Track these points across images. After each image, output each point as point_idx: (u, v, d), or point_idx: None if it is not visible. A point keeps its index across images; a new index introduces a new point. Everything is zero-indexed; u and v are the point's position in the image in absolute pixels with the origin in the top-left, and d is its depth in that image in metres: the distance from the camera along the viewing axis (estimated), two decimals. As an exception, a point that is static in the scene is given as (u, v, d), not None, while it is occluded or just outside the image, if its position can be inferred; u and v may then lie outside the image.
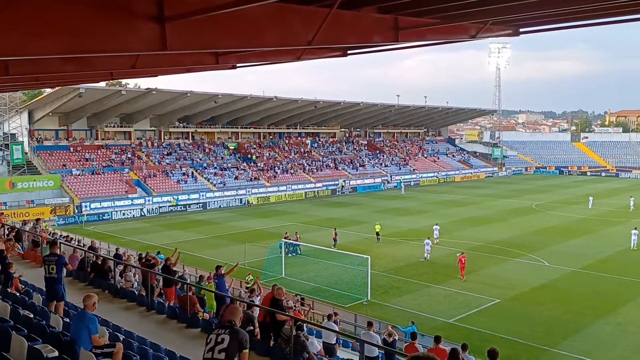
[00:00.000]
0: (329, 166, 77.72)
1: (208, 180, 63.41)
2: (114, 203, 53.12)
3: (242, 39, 7.27)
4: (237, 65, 13.25)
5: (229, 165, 69.00)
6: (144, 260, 16.32)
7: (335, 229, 39.27)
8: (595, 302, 25.57)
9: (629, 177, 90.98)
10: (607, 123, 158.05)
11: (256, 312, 11.85)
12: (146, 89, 58.58)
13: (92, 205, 51.84)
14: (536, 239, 39.64)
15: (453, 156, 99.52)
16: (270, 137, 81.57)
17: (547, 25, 10.19)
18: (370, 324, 15.49)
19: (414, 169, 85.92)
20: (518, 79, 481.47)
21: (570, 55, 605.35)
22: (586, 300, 25.93)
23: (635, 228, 38.12)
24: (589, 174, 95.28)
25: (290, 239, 35.42)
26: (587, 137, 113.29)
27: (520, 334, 21.49)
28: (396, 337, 15.69)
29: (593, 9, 8.70)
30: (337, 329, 14.71)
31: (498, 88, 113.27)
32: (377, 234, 39.36)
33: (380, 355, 14.01)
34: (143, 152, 65.25)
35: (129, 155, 63.17)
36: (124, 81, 70.83)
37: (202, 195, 59.51)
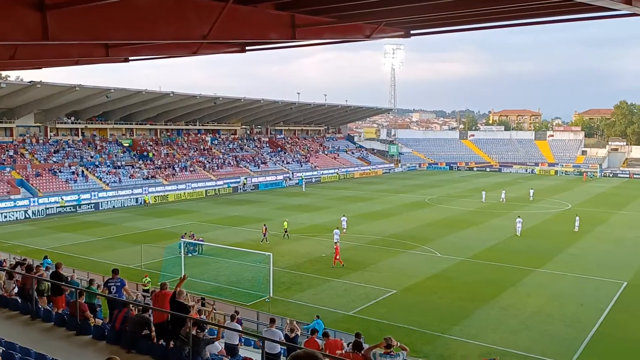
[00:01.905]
0: (230, 163, 76.71)
1: (100, 179, 60.05)
2: (-8, 205, 48.74)
3: (134, 30, 6.97)
4: (130, 58, 12.72)
5: (124, 163, 65.85)
6: (25, 265, 15.13)
7: (265, 224, 39.66)
8: (481, 288, 27.47)
9: (510, 172, 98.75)
10: (491, 122, 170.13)
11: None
12: (29, 82, 54.23)
13: (-33, 208, 47.26)
14: (429, 231, 41.83)
15: (352, 153, 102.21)
16: (168, 133, 78.89)
17: (435, 29, 10.79)
18: (272, 321, 15.53)
19: (315, 166, 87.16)
20: (412, 79, 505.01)
21: (458, 57, 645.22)
22: (474, 287, 27.78)
23: (519, 216, 41.98)
24: (475, 169, 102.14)
25: (195, 238, 34.74)
26: (473, 135, 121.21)
27: (414, 322, 22.58)
28: (298, 333, 15.86)
29: (478, 14, 9.33)
30: (241, 329, 14.56)
31: (393, 87, 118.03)
32: (285, 230, 39.77)
33: (282, 352, 14.08)
34: (27, 150, 60.39)
35: (11, 154, 58.19)
36: (4, 73, 65.09)
37: (94, 195, 56.27)
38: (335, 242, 32.89)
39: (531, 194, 60.82)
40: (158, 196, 60.62)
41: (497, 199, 59.02)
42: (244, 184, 70.83)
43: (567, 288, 27.77)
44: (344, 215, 43.55)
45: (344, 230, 39.99)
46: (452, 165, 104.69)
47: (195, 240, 34.70)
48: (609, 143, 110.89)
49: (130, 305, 11.56)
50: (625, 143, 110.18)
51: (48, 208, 51.38)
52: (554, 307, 24.64)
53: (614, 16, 8.61)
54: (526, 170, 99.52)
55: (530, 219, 46.63)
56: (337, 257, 31.45)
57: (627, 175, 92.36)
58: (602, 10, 8.05)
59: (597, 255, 34.74)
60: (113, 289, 13.71)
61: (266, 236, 37.93)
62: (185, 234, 35.41)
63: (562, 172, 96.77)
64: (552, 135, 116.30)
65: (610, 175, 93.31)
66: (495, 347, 19.85)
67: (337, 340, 12.51)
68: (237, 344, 13.88)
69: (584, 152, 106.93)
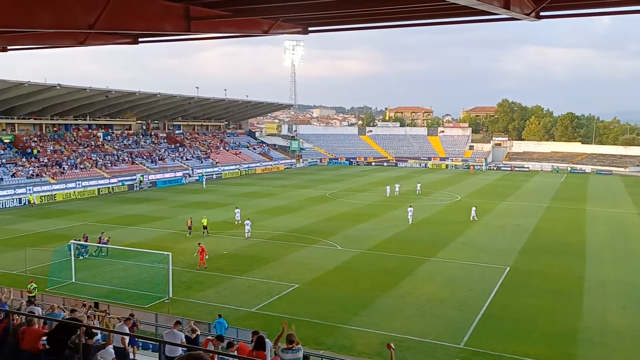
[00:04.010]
0: (125, 160, 73.17)
1: (-23, 179, 54.83)
2: None
3: (8, 17, 6.39)
4: (9, 47, 11.76)
5: (4, 160, 60.55)
6: None
7: (190, 218, 39.84)
8: (380, 278, 28.49)
9: (406, 166, 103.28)
10: (387, 118, 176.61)
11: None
12: None
13: None
14: (330, 225, 42.64)
15: (254, 149, 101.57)
16: (55, 129, 73.61)
17: (332, 26, 10.97)
18: (177, 323, 15.09)
19: (216, 162, 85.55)
20: (312, 75, 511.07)
21: (356, 55, 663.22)
22: (373, 277, 28.74)
23: (410, 206, 44.32)
24: (373, 164, 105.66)
25: (104, 240, 33.20)
26: (371, 131, 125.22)
27: (317, 314, 22.95)
28: (199, 333, 15.52)
29: (373, 13, 9.61)
30: (127, 330, 13.93)
31: (294, 83, 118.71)
32: (205, 227, 39.10)
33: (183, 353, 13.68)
34: None
35: None
36: None
37: (-30, 196, 51.30)
38: (199, 243, 31.68)
39: (418, 188, 63.86)
40: (45, 196, 56.41)
41: (393, 192, 61.42)
42: (141, 181, 67.92)
43: (458, 274, 29.56)
44: (237, 208, 44.33)
45: (237, 222, 41.64)
46: (351, 160, 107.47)
47: (102, 241, 33.04)
48: (493, 138, 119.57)
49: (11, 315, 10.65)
50: (507, 138, 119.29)
51: None
52: (446, 293, 26.15)
53: (495, 20, 9.26)
54: (420, 165, 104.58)
55: (424, 210, 49.08)
56: (203, 258, 30.32)
57: (509, 168, 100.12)
58: (484, 14, 8.62)
59: (484, 243, 37.31)
60: None
61: (191, 229, 38.52)
62: (103, 233, 34.75)
63: (452, 166, 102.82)
64: (443, 131, 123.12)
65: (495, 169, 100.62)
66: (393, 335, 20.67)
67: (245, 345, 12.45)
68: (124, 347, 13.24)
69: (471, 147, 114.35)
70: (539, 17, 8.88)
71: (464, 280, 28.41)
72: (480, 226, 43.07)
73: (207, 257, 30.73)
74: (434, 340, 20.46)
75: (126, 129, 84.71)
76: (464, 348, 19.94)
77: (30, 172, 59.72)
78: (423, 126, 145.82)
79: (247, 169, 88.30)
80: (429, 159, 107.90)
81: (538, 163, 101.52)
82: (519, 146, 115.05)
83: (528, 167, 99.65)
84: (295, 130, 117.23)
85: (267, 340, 11.83)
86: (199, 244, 31.65)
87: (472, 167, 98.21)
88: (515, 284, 27.78)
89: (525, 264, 31.57)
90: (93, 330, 9.91)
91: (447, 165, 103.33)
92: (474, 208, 46.17)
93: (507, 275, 29.34)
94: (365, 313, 23.42)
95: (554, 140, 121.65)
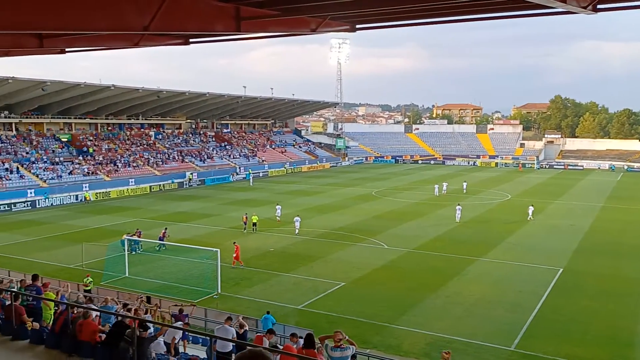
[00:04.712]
0: (175, 158, 75.05)
1: (37, 176, 57.40)
2: None
3: (68, 20, 6.64)
4: (67, 49, 12.21)
5: (62, 159, 63.20)
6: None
7: (245, 213, 40.87)
8: (427, 278, 28.13)
9: (453, 164, 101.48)
10: (434, 115, 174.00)
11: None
12: (-44, 73, 51.10)
13: None
14: (376, 224, 42.41)
15: (300, 147, 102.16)
16: (109, 128, 76.26)
17: (380, 23, 10.88)
18: (228, 319, 15.37)
19: (262, 160, 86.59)
20: (358, 73, 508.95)
21: (402, 53, 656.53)
22: (420, 277, 28.41)
23: (459, 204, 43.56)
24: (420, 162, 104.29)
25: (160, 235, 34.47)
26: (418, 129, 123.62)
27: (363, 313, 22.87)
28: (246, 328, 15.73)
29: (422, 9, 9.47)
30: (181, 326, 14.27)
31: (339, 82, 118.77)
32: (254, 224, 39.63)
33: (233, 349, 13.91)
34: (-46, 146, 56.98)
35: (-64, 150, 54.75)
36: None
37: (30, 193, 53.73)
38: (234, 242, 31.11)
39: (464, 187, 62.54)
40: (99, 193, 58.58)
41: (441, 190, 60.50)
42: (190, 179, 69.52)
43: (508, 275, 28.85)
44: (278, 204, 44.87)
45: (278, 219, 42.10)
46: (397, 158, 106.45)
47: (163, 236, 34.38)
48: (545, 136, 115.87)
49: (73, 307, 11.10)
50: (560, 136, 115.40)
51: (-20, 207, 48.71)
52: (496, 294, 25.55)
53: (551, 13, 8.95)
54: (468, 163, 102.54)
55: (472, 209, 48.11)
56: (238, 257, 29.97)
57: (562, 167, 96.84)
58: (540, 8, 8.35)
59: (536, 243, 36.24)
60: (29, 298, 12.79)
61: (247, 224, 39.33)
62: (167, 228, 36.04)
63: (502, 164, 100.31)
64: (493, 129, 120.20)
65: (547, 167, 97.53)
66: (441, 335, 20.38)
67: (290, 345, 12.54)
68: (176, 341, 13.56)
69: (522, 145, 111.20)
70: (595, 10, 8.53)
71: (515, 281, 27.70)
72: (532, 226, 41.87)
73: (233, 255, 30.08)
74: (483, 342, 20.02)
75: (176, 128, 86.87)
76: (515, 350, 19.44)
77: (86, 170, 62.09)
78: (472, 123, 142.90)
79: (293, 167, 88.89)
80: (478, 156, 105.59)
81: (593, 161, 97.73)
82: (572, 144, 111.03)
83: (582, 166, 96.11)
84: (341, 129, 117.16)
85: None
86: (234, 242, 31.21)
87: (520, 165, 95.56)
88: (568, 285, 26.87)
89: (579, 265, 30.50)
90: (146, 323, 10.21)
91: (496, 164, 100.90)
92: (531, 207, 44.87)
93: (560, 276, 28.40)
94: (412, 312, 23.18)
95: (609, 138, 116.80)
